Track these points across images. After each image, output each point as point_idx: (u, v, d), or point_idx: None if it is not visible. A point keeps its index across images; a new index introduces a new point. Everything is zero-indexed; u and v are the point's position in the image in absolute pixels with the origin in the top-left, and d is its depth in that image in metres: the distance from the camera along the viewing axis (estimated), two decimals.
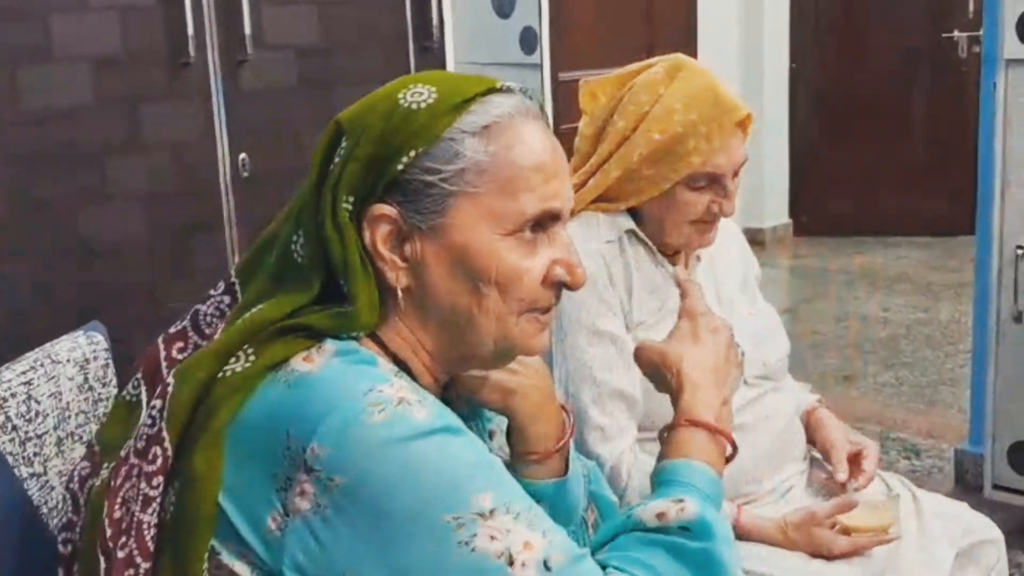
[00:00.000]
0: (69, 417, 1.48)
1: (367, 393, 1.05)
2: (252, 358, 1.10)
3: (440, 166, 1.12)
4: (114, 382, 1.58)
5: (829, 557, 1.82)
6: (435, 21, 3.14)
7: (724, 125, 1.82)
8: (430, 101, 1.13)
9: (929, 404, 4.16)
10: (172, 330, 1.22)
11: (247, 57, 2.76)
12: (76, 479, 1.21)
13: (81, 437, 1.50)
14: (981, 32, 5.38)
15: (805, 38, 6.65)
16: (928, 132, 6.39)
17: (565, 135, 1.90)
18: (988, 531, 1.98)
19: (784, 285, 5.98)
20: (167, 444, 1.09)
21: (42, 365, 1.46)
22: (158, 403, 1.11)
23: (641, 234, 1.90)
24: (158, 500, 1.09)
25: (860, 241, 6.48)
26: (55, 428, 1.45)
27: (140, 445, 1.11)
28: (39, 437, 1.42)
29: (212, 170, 2.72)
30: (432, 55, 3.09)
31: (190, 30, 2.64)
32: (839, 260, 6.25)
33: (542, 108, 1.20)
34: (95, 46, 2.53)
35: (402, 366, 1.17)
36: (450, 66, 3.16)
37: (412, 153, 1.12)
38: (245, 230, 2.73)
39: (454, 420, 1.09)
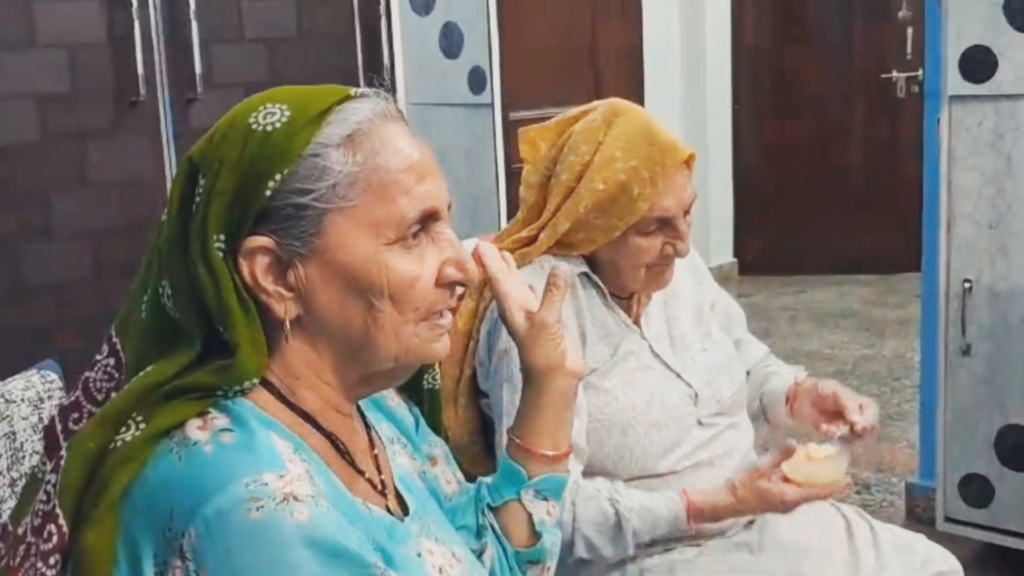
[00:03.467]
0: (23, 458, 1.45)
1: (249, 485, 0.98)
2: (142, 425, 1.04)
3: (309, 185, 1.06)
4: None
5: (782, 509, 1.78)
6: (386, 61, 3.14)
7: (667, 167, 1.80)
8: (284, 120, 1.07)
9: (877, 439, 4.19)
10: (67, 402, 1.16)
11: (197, 96, 2.74)
12: None
13: None
14: (920, 72, 5.57)
15: (747, 79, 6.75)
16: (869, 171, 6.49)
17: (517, 175, 1.88)
18: (946, 562, 1.98)
19: None
20: (61, 521, 1.04)
21: None
22: (52, 477, 1.06)
23: (594, 277, 1.89)
24: None
25: (804, 279, 6.54)
26: (8, 469, 1.42)
27: (36, 522, 1.06)
28: None
29: (162, 208, 2.69)
30: None
31: (140, 68, 2.63)
32: (784, 298, 6.30)
33: (399, 109, 1.16)
34: (43, 83, 2.51)
35: (299, 411, 1.11)
36: (400, 107, 3.16)
37: (277, 177, 1.06)
38: None
39: (339, 536, 1.00)
